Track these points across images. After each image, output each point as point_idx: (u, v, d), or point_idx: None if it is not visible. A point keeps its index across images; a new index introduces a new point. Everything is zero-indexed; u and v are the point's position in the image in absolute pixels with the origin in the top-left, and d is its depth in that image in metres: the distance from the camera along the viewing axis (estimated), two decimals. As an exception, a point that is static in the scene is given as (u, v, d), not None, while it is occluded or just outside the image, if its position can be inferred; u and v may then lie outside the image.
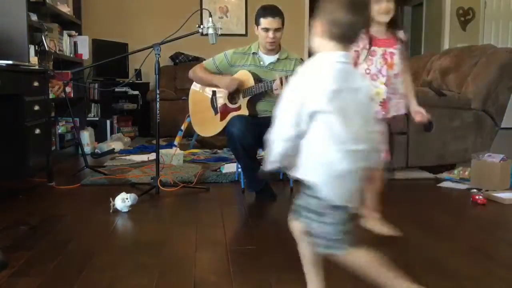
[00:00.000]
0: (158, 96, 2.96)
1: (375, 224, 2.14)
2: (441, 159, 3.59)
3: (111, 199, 2.54)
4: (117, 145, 4.79)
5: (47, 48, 3.95)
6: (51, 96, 3.84)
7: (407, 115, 2.20)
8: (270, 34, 2.74)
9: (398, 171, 3.51)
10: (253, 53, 2.89)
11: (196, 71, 3.01)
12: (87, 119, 5.12)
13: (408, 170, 3.56)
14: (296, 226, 1.39)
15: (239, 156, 2.75)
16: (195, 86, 3.13)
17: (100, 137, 5.11)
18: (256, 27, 2.82)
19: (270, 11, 2.74)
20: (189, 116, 3.30)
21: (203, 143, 4.71)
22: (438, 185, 3.22)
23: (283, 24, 2.77)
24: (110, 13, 6.48)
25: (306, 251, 1.43)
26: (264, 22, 2.74)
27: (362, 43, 2.06)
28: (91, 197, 2.91)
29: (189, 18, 2.95)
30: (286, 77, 2.60)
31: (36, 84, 3.08)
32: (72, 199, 2.87)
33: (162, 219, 2.45)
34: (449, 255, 1.89)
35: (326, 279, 1.45)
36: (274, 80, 2.67)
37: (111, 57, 3.70)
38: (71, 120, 4.37)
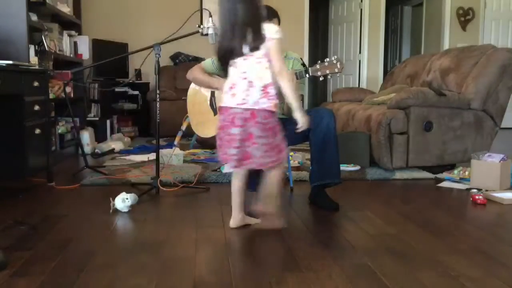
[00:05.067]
0: (158, 96, 2.96)
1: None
2: (441, 159, 3.60)
3: (111, 199, 2.54)
4: (117, 145, 4.79)
5: (47, 48, 3.95)
6: (51, 96, 3.85)
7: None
8: None
9: (398, 171, 3.52)
10: (251, 53, 2.88)
11: (193, 72, 3.00)
12: (87, 119, 5.12)
13: (408, 170, 3.56)
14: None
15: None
16: (194, 87, 3.12)
17: (100, 137, 5.11)
18: None
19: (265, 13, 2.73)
20: (187, 116, 3.29)
21: (203, 143, 4.71)
22: (438, 185, 3.22)
23: (279, 23, 2.76)
24: (110, 13, 6.48)
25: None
26: None
27: None
28: (91, 197, 2.91)
29: (189, 18, 2.95)
30: (295, 73, 2.61)
31: (36, 84, 3.08)
32: (72, 199, 2.87)
33: (162, 219, 2.45)
34: (449, 255, 1.89)
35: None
36: None
37: (111, 57, 3.70)
38: (71, 120, 4.37)
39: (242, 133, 2.06)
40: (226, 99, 2.13)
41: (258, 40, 2.05)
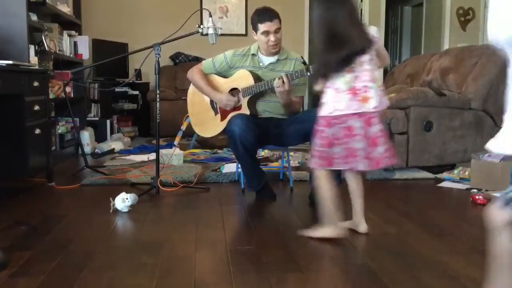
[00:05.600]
0: (158, 96, 2.96)
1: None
2: (441, 159, 3.59)
3: (111, 199, 2.54)
4: (117, 145, 4.79)
5: (47, 48, 3.95)
6: (51, 96, 3.85)
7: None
8: (272, 37, 2.72)
9: (398, 171, 3.52)
10: (252, 54, 2.88)
11: (194, 74, 3.00)
12: (87, 119, 5.12)
13: (408, 170, 3.56)
14: (501, 216, 1.31)
15: (239, 155, 2.75)
16: (194, 87, 3.12)
17: (100, 137, 5.11)
18: (254, 32, 2.80)
19: (266, 15, 2.71)
20: (188, 116, 3.28)
21: (203, 143, 4.71)
22: (438, 185, 3.22)
23: (280, 23, 2.76)
24: (110, 13, 6.47)
25: (506, 245, 1.28)
26: (263, 26, 2.71)
27: None
28: (91, 197, 2.91)
29: (189, 18, 2.95)
30: (287, 76, 2.59)
31: (36, 84, 3.08)
32: (72, 199, 2.87)
33: (162, 219, 2.45)
34: (449, 255, 1.89)
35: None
36: (275, 78, 2.66)
37: (111, 57, 3.70)
38: (71, 120, 4.37)
39: (378, 132, 2.04)
40: (350, 105, 2.00)
41: (368, 42, 2.02)
